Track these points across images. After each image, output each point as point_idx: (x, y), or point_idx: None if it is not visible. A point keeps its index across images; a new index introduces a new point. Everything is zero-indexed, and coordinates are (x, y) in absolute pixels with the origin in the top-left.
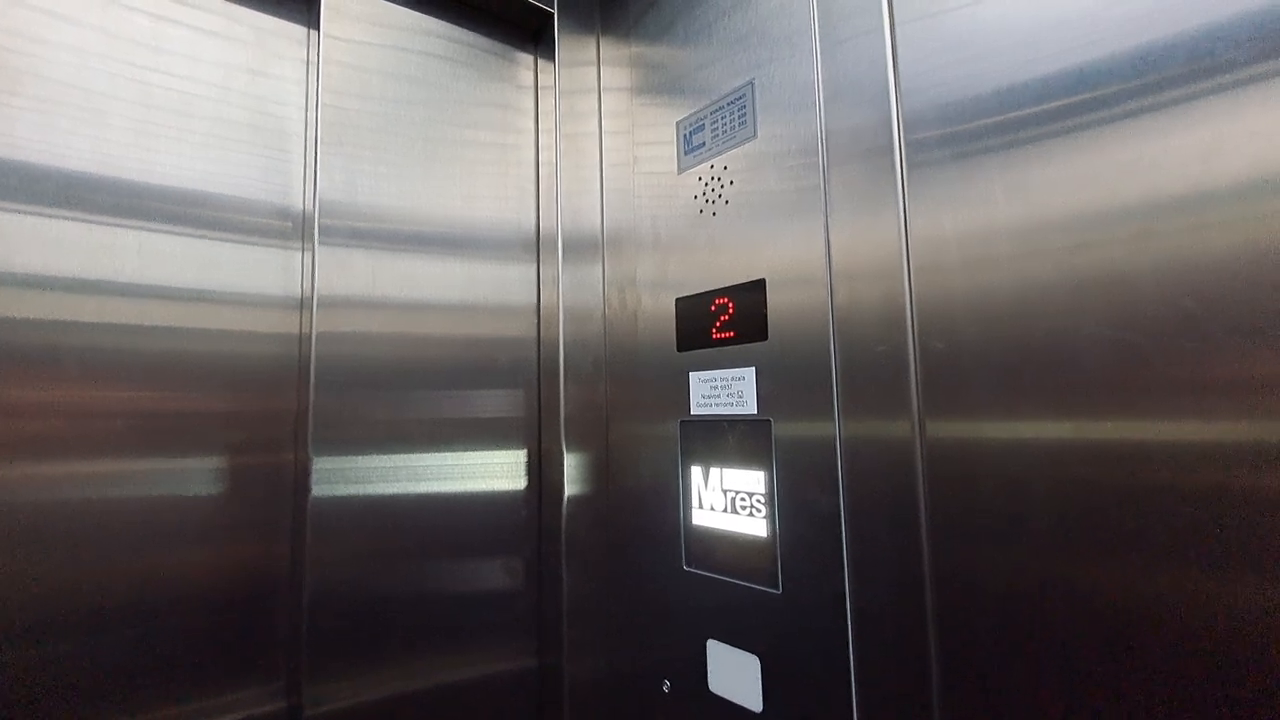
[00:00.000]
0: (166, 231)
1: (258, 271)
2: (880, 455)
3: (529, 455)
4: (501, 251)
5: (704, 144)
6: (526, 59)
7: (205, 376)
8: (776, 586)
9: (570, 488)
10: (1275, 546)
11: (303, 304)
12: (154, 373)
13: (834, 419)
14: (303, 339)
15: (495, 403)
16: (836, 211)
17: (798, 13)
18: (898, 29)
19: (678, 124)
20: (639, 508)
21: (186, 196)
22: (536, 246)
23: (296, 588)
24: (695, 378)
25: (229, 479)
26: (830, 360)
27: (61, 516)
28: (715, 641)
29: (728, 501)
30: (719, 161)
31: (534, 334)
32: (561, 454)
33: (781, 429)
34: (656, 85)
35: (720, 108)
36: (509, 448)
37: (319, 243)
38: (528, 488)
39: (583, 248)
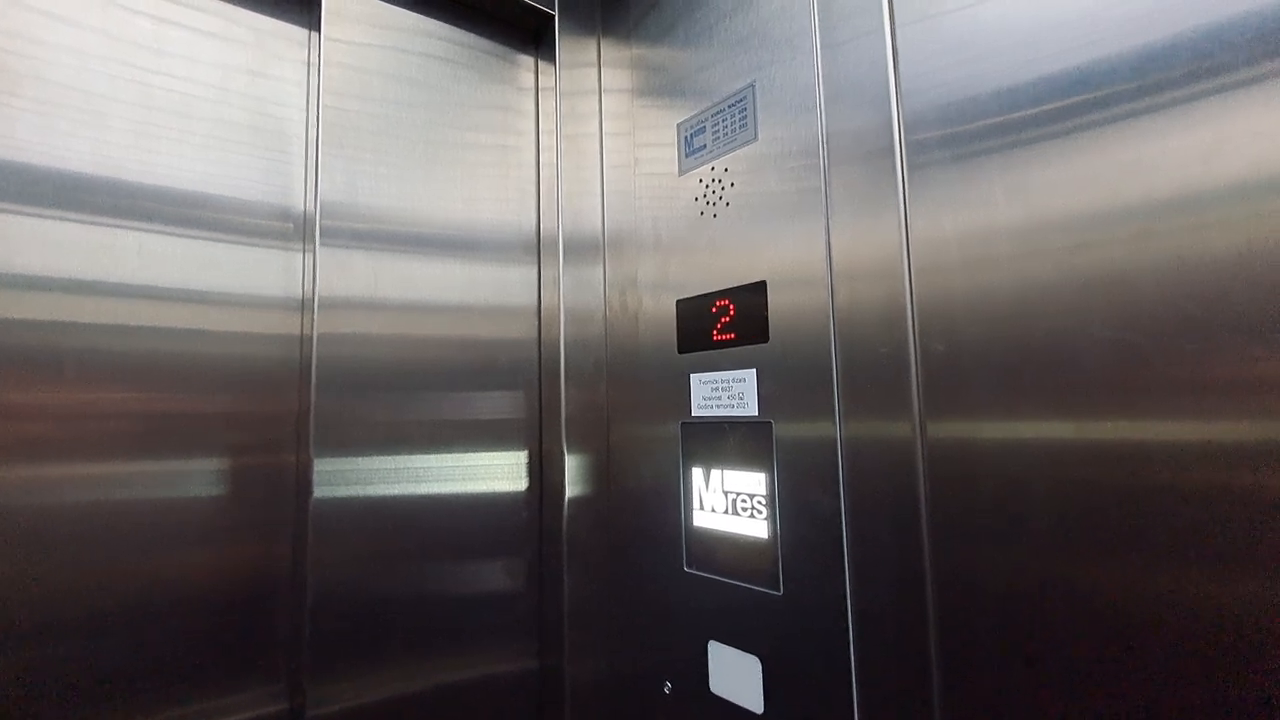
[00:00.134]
0: (167, 233)
1: (258, 273)
2: (881, 456)
3: (530, 457)
4: (502, 253)
5: (705, 146)
6: (527, 61)
7: (206, 378)
8: (778, 588)
9: (571, 489)
10: (1276, 546)
11: (304, 305)
12: (154, 374)
13: (835, 420)
14: (304, 340)
15: (496, 404)
16: (837, 213)
17: (798, 15)
18: (898, 30)
19: (679, 126)
20: (640, 509)
21: (187, 198)
22: (537, 248)
23: (298, 589)
24: (696, 379)
25: (230, 480)
26: (831, 361)
27: (62, 518)
28: (716, 643)
29: (729, 503)
30: (720, 163)
31: (535, 335)
32: (562, 455)
33: (782, 430)
34: (657, 87)
35: (721, 110)
36: (510, 449)
37: (320, 244)
38: (529, 489)
39: (584, 249)
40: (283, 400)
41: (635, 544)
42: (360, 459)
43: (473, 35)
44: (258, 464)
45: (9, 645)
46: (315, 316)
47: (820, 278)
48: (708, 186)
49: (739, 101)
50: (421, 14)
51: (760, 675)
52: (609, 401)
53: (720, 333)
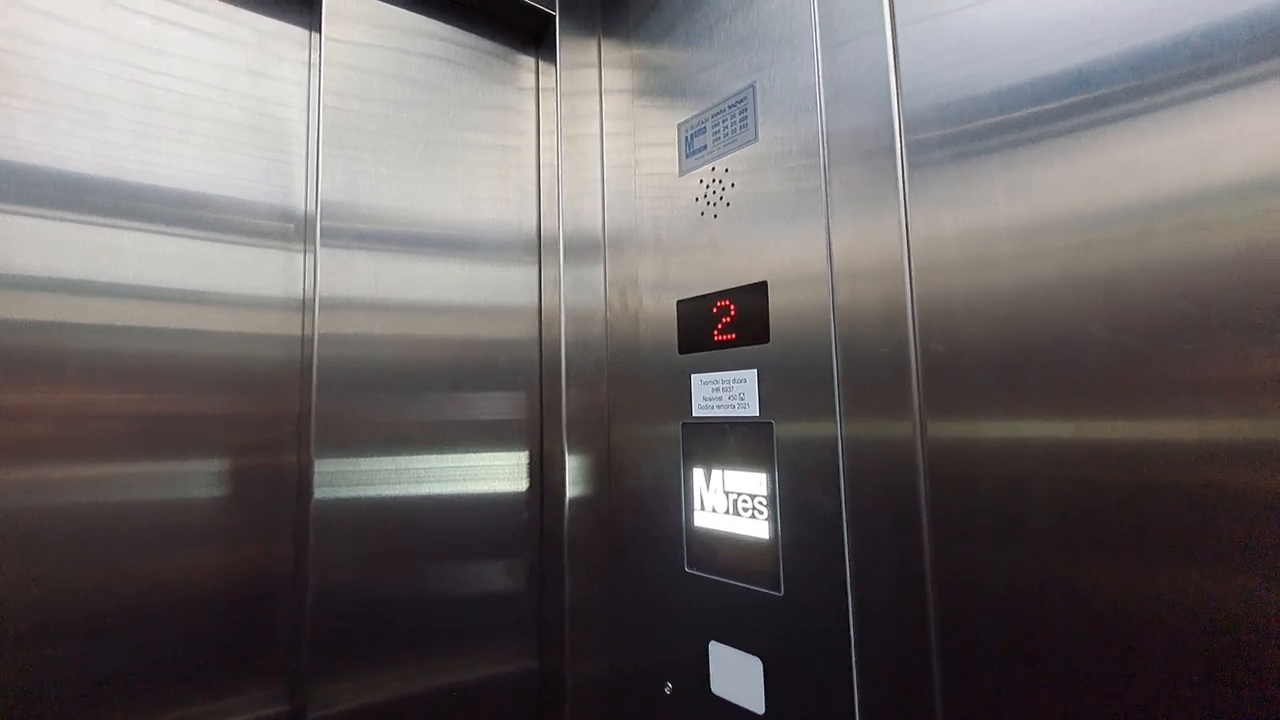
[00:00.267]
0: (167, 233)
1: (259, 273)
2: (882, 456)
3: (531, 457)
4: (503, 253)
5: (705, 146)
6: (528, 61)
7: (207, 379)
8: (778, 588)
9: (572, 489)
10: (1275, 546)
11: (304, 306)
12: (155, 375)
13: (835, 420)
14: (305, 341)
15: (497, 404)
16: (838, 213)
17: (799, 15)
18: (899, 31)
19: (679, 126)
20: (641, 509)
21: (187, 198)
22: (538, 248)
23: (299, 589)
24: (697, 379)
25: (231, 481)
26: (832, 361)
27: (62, 519)
28: (717, 643)
29: (729, 503)
30: (720, 163)
31: (535, 336)
32: (563, 456)
33: (783, 430)
34: (658, 87)
35: (721, 110)
36: (511, 449)
37: (320, 244)
38: (529, 489)
39: (584, 249)
40: (283, 401)
41: (636, 544)
42: (361, 459)
43: (473, 35)
44: (258, 465)
45: (9, 646)
46: (316, 317)
47: (821, 278)
48: (708, 187)
49: (739, 102)
50: (422, 14)
51: (761, 676)
52: (610, 402)
53: (721, 333)
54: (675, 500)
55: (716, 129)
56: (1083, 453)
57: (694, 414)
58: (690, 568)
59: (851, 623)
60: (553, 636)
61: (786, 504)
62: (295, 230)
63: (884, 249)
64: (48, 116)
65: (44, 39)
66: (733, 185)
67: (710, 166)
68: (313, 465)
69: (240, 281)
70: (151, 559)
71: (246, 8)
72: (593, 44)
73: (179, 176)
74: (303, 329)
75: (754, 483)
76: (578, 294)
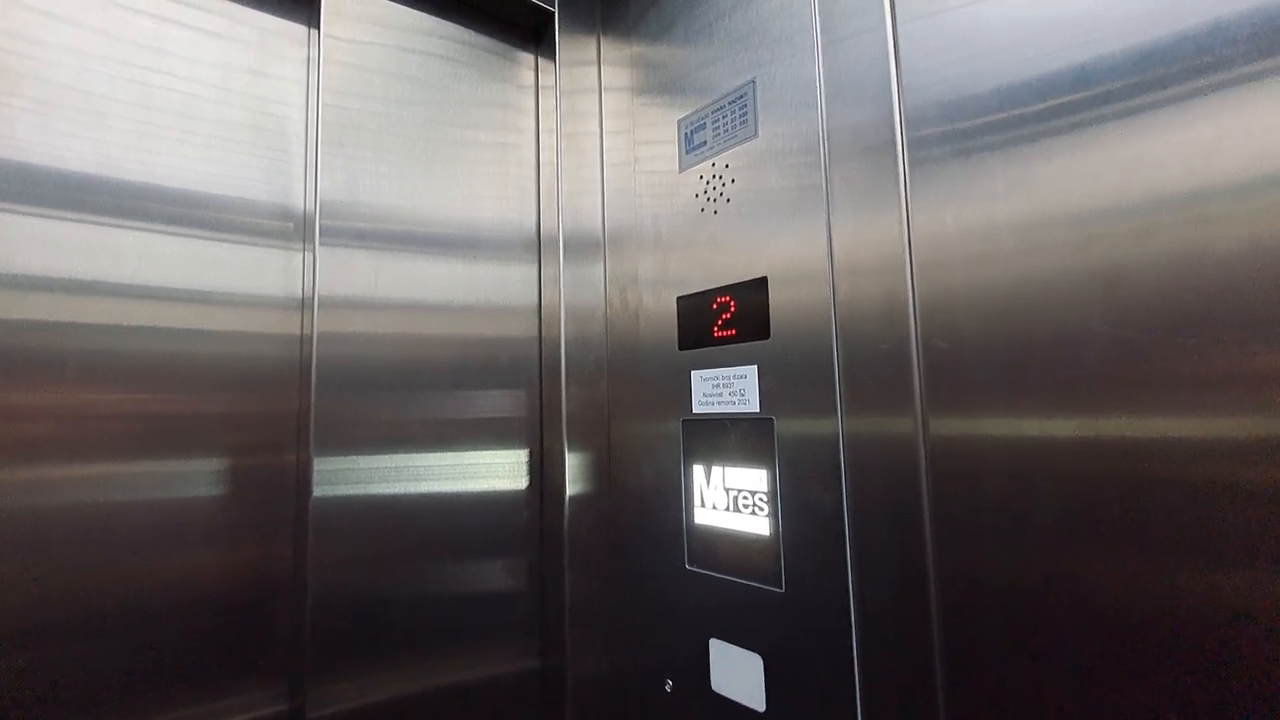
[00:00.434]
0: (167, 232)
1: (259, 272)
2: (883, 452)
3: (531, 455)
4: (503, 251)
5: (705, 143)
6: (527, 59)
7: (207, 378)
8: (779, 585)
9: (572, 487)
10: (1278, 541)
11: (304, 305)
12: (155, 374)
13: (837, 416)
14: (304, 340)
15: (497, 403)
16: (838, 209)
17: (799, 11)
18: (899, 27)
19: (679, 123)
20: (641, 507)
21: (187, 197)
22: (538, 246)
23: (299, 589)
24: (697, 376)
25: (230, 480)
26: (833, 358)
27: (62, 519)
28: (718, 640)
29: (730, 500)
30: (720, 160)
31: (535, 334)
32: (563, 453)
33: (784, 427)
34: (657, 84)
35: (721, 106)
36: (511, 447)
37: (320, 243)
38: (529, 487)
39: (584, 247)
40: (283, 400)
41: (636, 542)
42: (360, 458)
43: (473, 33)
44: (258, 464)
45: (9, 647)
46: (315, 316)
47: (821, 274)
48: (708, 183)
49: (739, 98)
50: (422, 12)
51: (762, 673)
52: (610, 399)
53: (721, 329)
54: (675, 497)
55: (716, 125)
56: (1085, 448)
57: (694, 411)
58: (691, 565)
59: (853, 619)
60: (553, 635)
61: (787, 500)
62: (295, 229)
63: (885, 245)
64: (48, 116)
65: (44, 39)
66: (733, 181)
67: (710, 163)
68: (312, 464)
69: (240, 281)
70: (151, 558)
71: (246, 6)
72: (592, 41)
73: (179, 176)
74: (302, 328)
75: (754, 479)
76: (578, 291)
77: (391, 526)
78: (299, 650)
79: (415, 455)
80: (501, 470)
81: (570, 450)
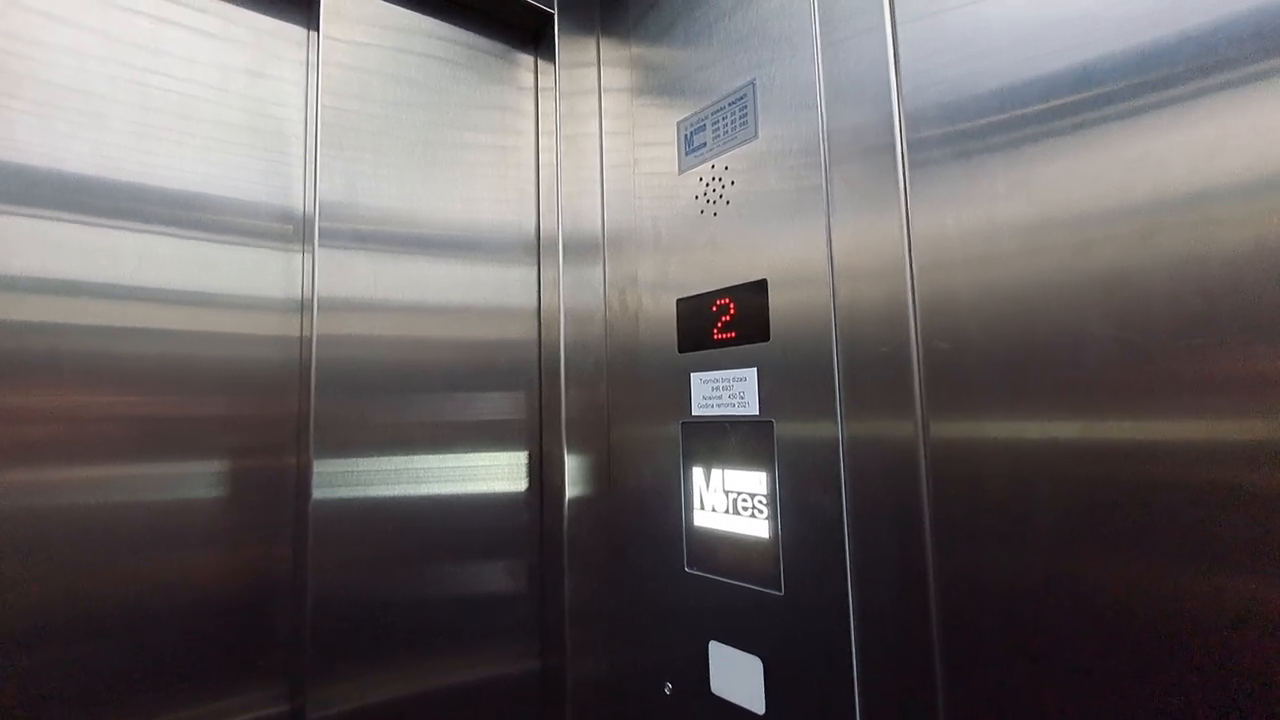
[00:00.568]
0: (166, 234)
1: (258, 274)
2: (883, 455)
3: (530, 457)
4: (502, 253)
5: (705, 144)
6: (526, 60)
7: (206, 380)
8: (779, 588)
9: (571, 489)
10: None
11: (303, 307)
12: (154, 376)
13: (837, 419)
14: (303, 342)
15: (496, 405)
16: (838, 211)
17: (798, 13)
18: (899, 28)
19: (678, 124)
20: (640, 509)
21: (186, 199)
22: (537, 248)
23: (299, 591)
24: (696, 379)
25: (230, 482)
26: (833, 360)
27: (61, 521)
28: (717, 643)
29: (729, 503)
30: (720, 162)
31: (535, 336)
32: (563, 456)
33: (783, 430)
34: (657, 86)
35: (721, 108)
36: (510, 450)
37: (319, 245)
38: (529, 490)
39: (583, 249)
40: (282, 402)
41: (636, 544)
42: (360, 460)
43: (472, 35)
44: (257, 466)
45: (10, 647)
46: (315, 318)
47: (821, 276)
48: (708, 185)
49: (739, 99)
50: (420, 13)
51: (761, 676)
52: (609, 401)
53: (721, 332)
54: (675, 500)
55: (716, 127)
56: (1087, 450)
57: (694, 413)
58: (690, 567)
59: (852, 622)
60: (553, 636)
61: (787, 503)
62: (294, 231)
63: (885, 247)
64: (47, 118)
65: (43, 40)
66: (732, 183)
67: (710, 165)
68: (311, 466)
69: (239, 282)
70: (151, 560)
71: (245, 7)
72: (591, 43)
73: (178, 177)
74: (301, 330)
75: (754, 482)
76: (577, 294)
77: (391, 528)
78: (299, 651)
79: (415, 457)
80: (501, 472)
81: (570, 453)
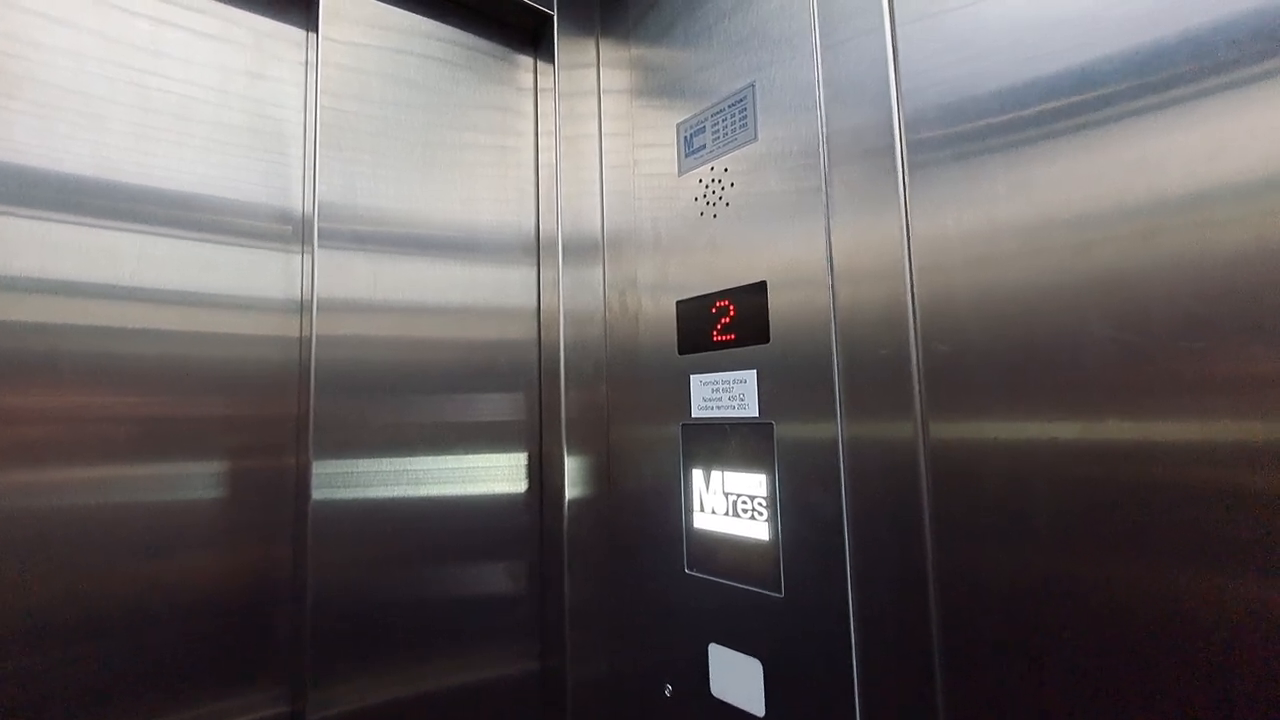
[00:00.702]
0: (166, 235)
1: (257, 275)
2: (883, 457)
3: (530, 458)
4: (502, 254)
5: (704, 146)
6: (526, 61)
7: (205, 381)
8: (779, 590)
9: (571, 491)
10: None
11: (303, 307)
12: (153, 377)
13: (836, 421)
14: (303, 342)
15: (496, 406)
16: (838, 212)
17: (798, 14)
18: (898, 29)
19: (678, 126)
20: (640, 511)
21: (185, 200)
22: (537, 249)
23: (299, 592)
24: (696, 380)
25: (229, 483)
26: (832, 362)
27: (61, 522)
28: (717, 645)
29: (729, 504)
30: (720, 163)
31: (535, 337)
32: (562, 457)
33: (783, 431)
34: (657, 87)
35: (721, 110)
36: (510, 451)
37: (318, 246)
38: (529, 491)
39: (583, 250)
40: (282, 403)
41: (636, 546)
42: (360, 461)
43: (471, 36)
44: (257, 467)
45: (9, 649)
46: (314, 318)
47: (821, 278)
48: (707, 187)
49: (739, 101)
50: (419, 14)
51: (761, 678)
52: (609, 403)
53: (720, 333)
54: (675, 501)
55: (716, 129)
56: (1086, 451)
57: (693, 415)
58: (690, 569)
59: (852, 624)
60: (553, 638)
61: (787, 505)
62: (293, 232)
63: (885, 248)
64: (46, 119)
65: (41, 41)
66: (732, 185)
67: (709, 166)
68: (311, 467)
69: (238, 283)
70: (151, 561)
71: (243, 8)
72: (591, 44)
73: (177, 178)
74: (301, 330)
75: (754, 484)
76: (577, 295)
77: (391, 529)
78: (299, 652)
79: (415, 458)
80: (501, 473)
81: (570, 454)
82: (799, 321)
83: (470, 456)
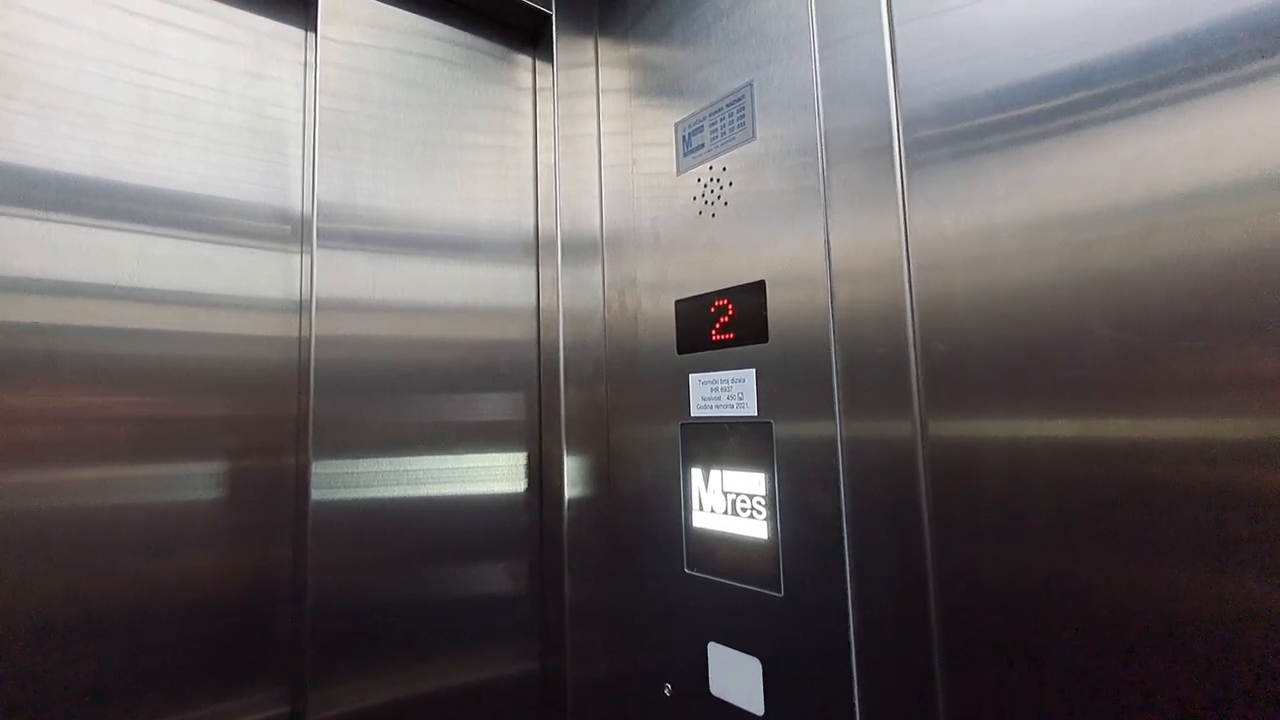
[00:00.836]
0: (165, 235)
1: (257, 275)
2: (882, 456)
3: (530, 458)
4: (501, 254)
5: (703, 145)
6: (525, 61)
7: (204, 381)
8: (778, 589)
9: (571, 490)
10: (1278, 544)
11: (302, 307)
12: (152, 378)
13: (835, 420)
14: (302, 342)
15: (496, 406)
16: (836, 212)
17: (796, 13)
18: (896, 29)
19: (676, 125)
20: (640, 510)
21: (185, 200)
22: (536, 249)
23: (299, 592)
24: (695, 380)
25: (229, 484)
26: (831, 361)
27: (61, 523)
28: (716, 644)
29: (728, 504)
30: (718, 162)
31: (534, 336)
32: (562, 457)
33: (782, 430)
34: (655, 87)
35: (719, 109)
36: (510, 451)
37: (318, 246)
38: (529, 490)
39: (582, 250)
40: (281, 403)
41: (635, 545)
42: (359, 461)
43: (470, 35)
44: (257, 467)
45: (9, 650)
46: (314, 318)
47: (819, 277)
48: (706, 186)
49: (737, 100)
50: (418, 14)
51: (761, 677)
52: (608, 402)
53: (719, 333)
54: (674, 501)
55: (714, 128)
56: (1085, 450)
57: (692, 414)
58: (689, 568)
59: (852, 622)
60: (553, 638)
61: (786, 504)
62: (293, 232)
63: (883, 247)
64: (46, 119)
65: (41, 41)
66: (730, 184)
67: (708, 166)
68: (310, 467)
69: (238, 283)
70: (151, 562)
71: (243, 8)
72: (590, 43)
73: (176, 178)
74: (300, 330)
75: (753, 483)
76: (576, 294)
77: (391, 529)
78: (299, 653)
79: (414, 458)
80: (501, 473)
81: (569, 453)
82: (798, 321)
83: (470, 456)
